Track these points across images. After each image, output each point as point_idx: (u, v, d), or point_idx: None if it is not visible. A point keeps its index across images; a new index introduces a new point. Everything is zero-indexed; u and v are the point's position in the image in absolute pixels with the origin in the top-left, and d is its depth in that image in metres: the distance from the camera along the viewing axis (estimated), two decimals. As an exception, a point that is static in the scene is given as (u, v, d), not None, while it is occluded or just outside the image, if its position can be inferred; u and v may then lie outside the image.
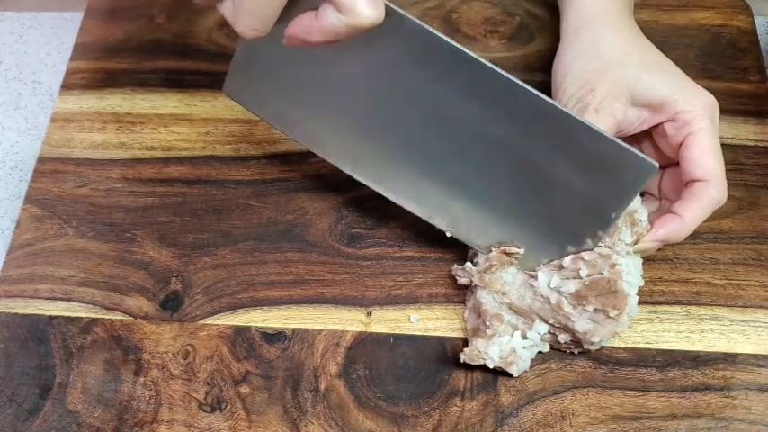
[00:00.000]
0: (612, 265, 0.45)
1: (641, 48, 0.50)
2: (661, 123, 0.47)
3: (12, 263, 0.53)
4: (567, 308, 0.45)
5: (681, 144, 0.46)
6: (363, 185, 0.50)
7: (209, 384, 0.48)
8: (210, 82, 0.60)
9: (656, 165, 0.42)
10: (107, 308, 0.51)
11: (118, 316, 0.50)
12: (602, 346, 0.48)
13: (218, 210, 0.54)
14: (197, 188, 0.55)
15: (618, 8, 0.51)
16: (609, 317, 0.45)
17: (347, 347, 0.49)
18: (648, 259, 0.51)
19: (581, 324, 0.45)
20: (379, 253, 0.52)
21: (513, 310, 0.47)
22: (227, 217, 0.54)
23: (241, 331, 0.50)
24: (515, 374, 0.46)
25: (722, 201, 0.46)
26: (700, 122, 0.46)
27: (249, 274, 0.52)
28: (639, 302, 0.49)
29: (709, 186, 0.45)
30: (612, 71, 0.47)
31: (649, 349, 0.48)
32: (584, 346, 0.46)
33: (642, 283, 0.47)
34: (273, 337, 0.49)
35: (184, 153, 0.57)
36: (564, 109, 0.41)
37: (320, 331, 0.50)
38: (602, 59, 0.48)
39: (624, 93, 0.47)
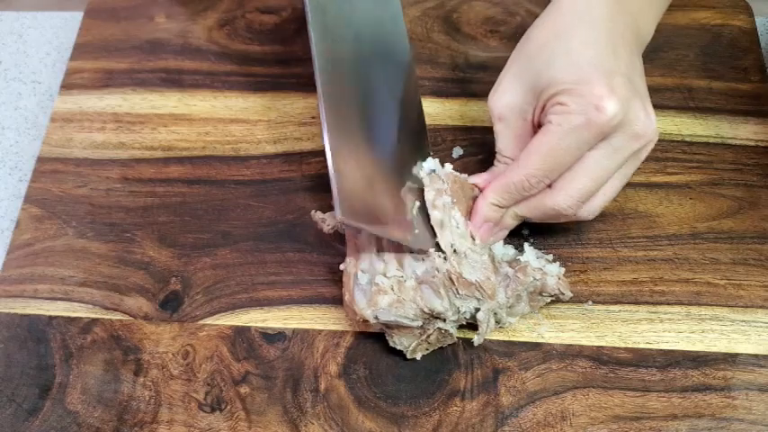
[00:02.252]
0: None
1: (567, 35, 0.44)
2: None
3: (11, 263, 0.53)
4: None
5: (542, 124, 0.44)
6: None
7: (208, 385, 0.48)
8: (210, 82, 0.60)
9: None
10: (107, 308, 0.51)
11: (118, 316, 0.50)
12: (602, 347, 0.48)
13: (218, 210, 0.54)
14: (197, 188, 0.55)
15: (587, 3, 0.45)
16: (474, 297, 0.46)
17: (347, 348, 0.49)
18: (649, 259, 0.51)
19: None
20: (379, 253, 0.52)
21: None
22: (227, 217, 0.54)
23: (241, 331, 0.50)
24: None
25: (523, 189, 0.45)
26: (563, 120, 0.42)
27: (249, 274, 0.52)
28: (639, 302, 0.49)
29: (516, 171, 0.44)
30: (524, 62, 0.45)
31: (650, 349, 0.48)
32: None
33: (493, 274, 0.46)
34: (273, 337, 0.49)
35: (184, 153, 0.57)
36: None
37: (320, 331, 0.49)
38: (523, 48, 0.46)
39: (530, 86, 0.44)
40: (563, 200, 0.45)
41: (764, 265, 0.51)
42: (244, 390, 0.48)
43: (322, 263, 0.52)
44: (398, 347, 0.47)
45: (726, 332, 0.49)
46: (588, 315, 0.50)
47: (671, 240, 0.52)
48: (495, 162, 0.48)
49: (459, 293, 0.45)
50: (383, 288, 0.45)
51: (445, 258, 0.46)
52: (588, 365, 0.48)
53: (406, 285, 0.46)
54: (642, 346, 0.49)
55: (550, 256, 0.49)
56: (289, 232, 0.53)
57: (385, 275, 0.46)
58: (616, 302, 0.50)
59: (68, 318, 0.50)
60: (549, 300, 0.48)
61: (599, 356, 0.48)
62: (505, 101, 0.46)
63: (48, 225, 0.54)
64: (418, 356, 0.47)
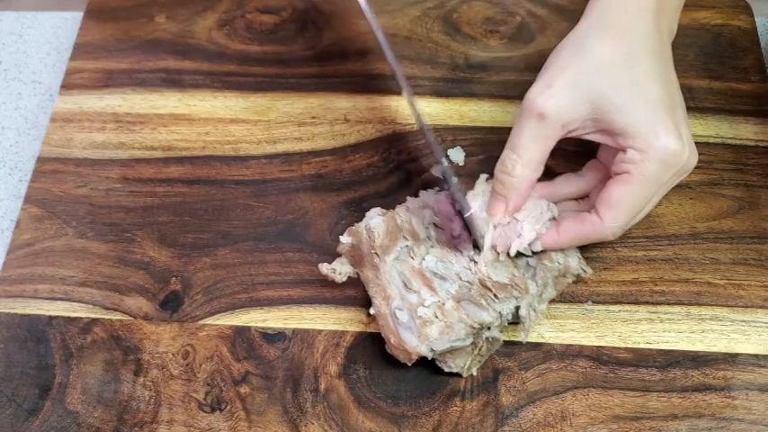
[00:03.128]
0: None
1: (633, 62, 0.44)
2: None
3: (11, 263, 0.53)
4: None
5: (615, 174, 0.45)
6: (363, 185, 0.50)
7: (208, 385, 0.48)
8: (210, 82, 0.60)
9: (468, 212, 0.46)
10: (107, 308, 0.51)
11: (118, 316, 0.50)
12: (602, 347, 0.48)
13: (218, 210, 0.54)
14: (197, 188, 0.55)
15: (643, 18, 0.45)
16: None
17: (347, 348, 0.49)
18: (649, 259, 0.51)
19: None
20: (379, 253, 0.52)
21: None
22: (227, 217, 0.54)
23: (241, 331, 0.50)
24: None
25: (608, 239, 0.46)
26: (646, 168, 0.43)
27: (249, 274, 0.52)
28: (639, 302, 0.50)
29: (602, 228, 0.45)
30: (586, 76, 0.44)
31: (650, 349, 0.48)
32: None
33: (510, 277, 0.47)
34: (273, 337, 0.49)
35: (184, 153, 0.57)
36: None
37: (320, 331, 0.49)
38: (583, 59, 0.44)
39: (587, 102, 0.43)
40: (612, 231, 0.45)
41: (764, 265, 0.51)
42: (244, 390, 0.48)
43: (322, 263, 0.51)
44: (455, 370, 0.46)
45: (726, 332, 0.49)
46: (588, 315, 0.50)
47: (671, 240, 0.52)
48: (505, 161, 0.46)
49: (498, 298, 0.45)
50: (428, 319, 0.45)
51: (475, 262, 0.46)
52: (588, 365, 0.48)
53: (447, 308, 0.45)
54: (642, 346, 0.49)
55: None
56: (289, 232, 0.53)
57: (423, 305, 0.45)
58: (616, 302, 0.50)
59: (68, 318, 0.50)
60: (571, 280, 0.49)
61: (599, 356, 0.48)
62: (555, 105, 0.43)
63: (48, 225, 0.54)
64: (474, 372, 0.47)
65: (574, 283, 0.50)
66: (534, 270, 0.47)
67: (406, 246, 0.48)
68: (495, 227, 0.47)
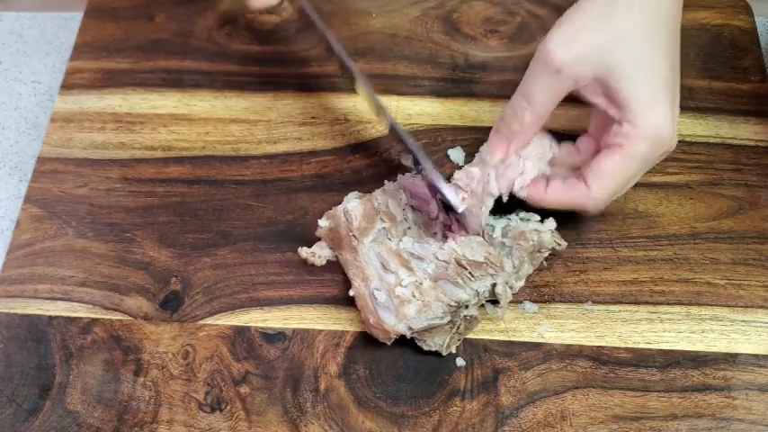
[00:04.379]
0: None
1: (655, 36, 0.44)
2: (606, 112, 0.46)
3: (12, 263, 0.53)
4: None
5: (606, 145, 0.45)
6: (363, 185, 0.50)
7: (208, 385, 0.48)
8: (210, 82, 0.60)
9: (459, 207, 0.46)
10: (107, 308, 0.51)
11: (118, 316, 0.50)
12: (602, 347, 0.48)
13: (218, 210, 0.54)
14: (197, 188, 0.55)
15: None
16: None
17: (347, 348, 0.49)
18: (650, 259, 0.51)
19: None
20: (379, 253, 0.52)
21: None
22: (227, 217, 0.54)
23: (241, 331, 0.50)
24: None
25: (589, 210, 0.47)
26: (638, 144, 0.44)
27: (249, 274, 0.52)
28: (639, 302, 0.50)
29: (587, 197, 0.46)
30: (609, 37, 0.44)
31: (650, 349, 0.48)
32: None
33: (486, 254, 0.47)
34: (273, 337, 0.49)
35: (184, 153, 0.57)
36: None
37: (320, 331, 0.49)
38: (609, 21, 0.44)
39: (603, 64, 0.44)
40: (596, 203, 0.46)
41: (764, 265, 0.51)
42: (244, 390, 0.48)
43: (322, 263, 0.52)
44: (434, 349, 0.47)
45: (726, 332, 0.49)
46: (588, 315, 0.50)
47: (671, 240, 0.52)
48: (515, 108, 0.46)
49: (474, 276, 0.46)
50: (405, 298, 0.46)
51: (447, 238, 0.48)
52: (588, 365, 0.48)
53: (424, 288, 0.46)
54: (642, 346, 0.49)
55: (536, 215, 0.50)
56: (289, 232, 0.53)
57: (401, 285, 0.46)
58: (616, 302, 0.50)
59: (68, 318, 0.50)
60: (547, 254, 0.49)
61: (599, 356, 0.48)
62: (573, 61, 0.44)
63: (48, 225, 0.54)
64: (453, 350, 0.48)
65: (574, 283, 0.50)
66: (510, 248, 0.48)
67: (384, 228, 0.48)
68: (494, 168, 0.48)
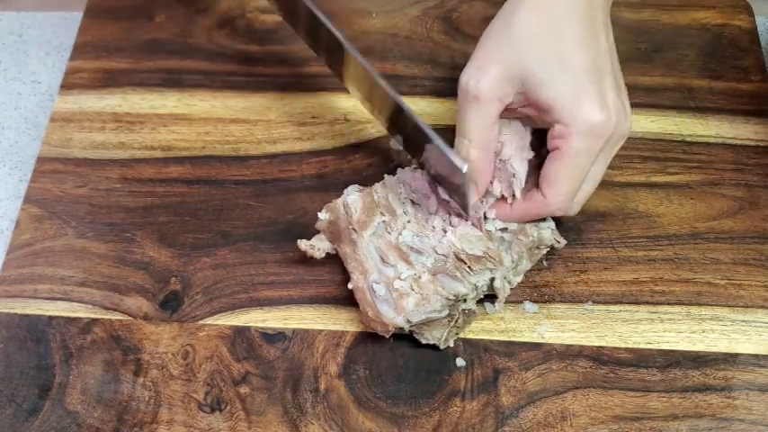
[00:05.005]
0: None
1: (559, 33, 0.44)
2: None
3: (11, 263, 0.52)
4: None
5: (550, 150, 0.45)
6: (363, 185, 0.50)
7: (208, 385, 0.48)
8: (210, 82, 0.60)
9: (463, 167, 0.44)
10: (107, 308, 0.51)
11: (117, 316, 0.50)
12: (602, 347, 0.48)
13: (218, 210, 0.54)
14: (197, 188, 0.55)
15: None
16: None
17: (347, 348, 0.49)
18: (650, 259, 0.51)
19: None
20: (379, 253, 0.52)
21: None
22: (227, 217, 0.54)
23: (241, 331, 0.49)
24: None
25: (553, 214, 0.47)
26: (573, 141, 0.43)
27: (249, 274, 0.52)
28: (640, 302, 0.50)
29: (546, 205, 0.46)
30: (512, 50, 0.44)
31: (650, 349, 0.48)
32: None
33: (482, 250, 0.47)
34: (273, 337, 0.49)
35: (184, 153, 0.57)
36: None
37: (320, 331, 0.49)
38: (508, 34, 0.44)
39: (516, 77, 0.44)
40: (557, 207, 0.46)
41: (765, 265, 0.51)
42: (244, 390, 0.48)
43: (322, 263, 0.51)
44: (432, 342, 0.47)
45: (726, 332, 0.49)
46: (588, 315, 0.50)
47: (671, 240, 0.52)
48: (459, 149, 0.46)
49: (472, 270, 0.46)
50: (404, 291, 0.46)
51: (445, 231, 0.48)
52: (588, 365, 0.48)
53: (422, 281, 0.46)
54: (642, 346, 0.48)
55: None
56: (289, 232, 0.53)
57: (400, 278, 0.46)
58: (616, 302, 0.50)
59: (68, 318, 0.50)
60: (545, 251, 0.50)
61: (599, 356, 0.48)
62: (488, 85, 0.44)
63: (48, 225, 0.54)
64: (451, 344, 0.48)
65: (574, 283, 0.50)
66: (509, 243, 0.48)
67: (383, 221, 0.48)
68: (482, 202, 0.48)
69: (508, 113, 0.47)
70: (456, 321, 0.47)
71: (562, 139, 0.44)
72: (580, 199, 0.47)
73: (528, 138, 0.48)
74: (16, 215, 0.55)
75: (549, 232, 0.48)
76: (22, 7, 0.70)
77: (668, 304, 0.50)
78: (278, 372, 0.48)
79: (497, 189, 0.48)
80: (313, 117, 0.58)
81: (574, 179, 0.45)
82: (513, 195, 0.48)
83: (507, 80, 0.44)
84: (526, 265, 0.49)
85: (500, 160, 0.48)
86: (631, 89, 0.47)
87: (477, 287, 0.46)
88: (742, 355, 0.48)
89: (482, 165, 0.46)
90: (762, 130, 0.57)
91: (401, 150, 0.53)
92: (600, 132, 0.43)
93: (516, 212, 0.48)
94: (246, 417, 0.47)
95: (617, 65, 0.46)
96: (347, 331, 0.49)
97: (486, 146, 0.46)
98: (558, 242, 0.49)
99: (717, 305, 0.50)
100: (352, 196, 0.49)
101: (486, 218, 0.48)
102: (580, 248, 0.52)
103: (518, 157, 0.47)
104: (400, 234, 0.48)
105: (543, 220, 0.49)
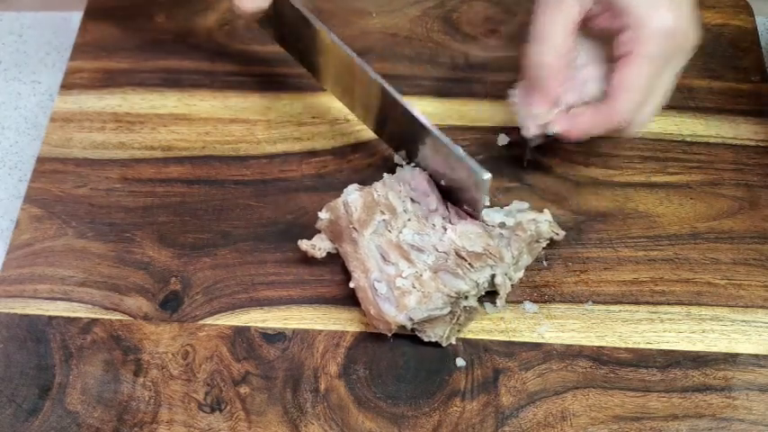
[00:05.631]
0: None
1: None
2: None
3: (11, 263, 0.52)
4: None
5: (620, 57, 0.46)
6: (363, 185, 0.50)
7: (208, 385, 0.48)
8: (210, 82, 0.60)
9: (486, 176, 0.46)
10: (106, 308, 0.51)
11: (117, 316, 0.50)
12: (602, 347, 0.48)
13: (218, 210, 0.54)
14: (197, 188, 0.55)
15: None
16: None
17: (347, 348, 0.49)
18: (650, 259, 0.51)
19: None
20: (379, 253, 0.52)
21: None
22: (227, 217, 0.54)
23: (241, 331, 0.49)
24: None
25: (620, 125, 0.46)
26: (646, 44, 0.44)
27: (249, 274, 0.52)
28: (640, 302, 0.50)
29: (614, 114, 0.46)
30: None
31: (650, 349, 0.48)
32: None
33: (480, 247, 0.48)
34: (273, 337, 0.49)
35: (184, 153, 0.57)
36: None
37: (320, 331, 0.49)
38: None
39: None
40: (624, 116, 0.46)
41: (765, 265, 0.51)
42: (244, 390, 0.48)
43: (322, 263, 0.51)
44: (434, 339, 0.48)
45: (726, 332, 0.49)
46: (588, 315, 0.50)
47: (671, 240, 0.52)
48: (532, 55, 0.47)
49: (473, 267, 0.46)
50: (406, 289, 0.46)
51: (445, 229, 0.48)
52: (588, 365, 0.48)
53: (424, 279, 0.46)
54: (642, 346, 0.48)
55: (527, 204, 0.51)
56: (289, 232, 0.53)
57: (401, 276, 0.46)
58: (616, 302, 0.50)
59: (68, 318, 0.50)
60: (545, 244, 0.50)
61: (599, 356, 0.48)
62: None
63: (48, 225, 0.54)
64: (453, 341, 0.48)
65: (574, 283, 0.50)
66: (508, 239, 0.48)
67: (384, 220, 0.49)
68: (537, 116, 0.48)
69: (584, 26, 0.47)
70: (458, 318, 0.47)
71: (634, 43, 0.44)
72: (646, 113, 0.47)
73: (601, 52, 0.48)
74: (16, 215, 0.55)
75: (546, 225, 0.49)
76: (22, 7, 0.70)
77: (668, 304, 0.50)
78: (278, 372, 0.48)
79: (568, 98, 0.48)
80: (313, 117, 0.58)
81: (643, 85, 0.45)
82: (584, 105, 0.47)
83: None
84: (527, 259, 0.49)
85: (574, 68, 0.48)
86: (631, 89, 0.47)
87: (478, 284, 0.47)
88: (742, 355, 0.48)
89: (555, 71, 0.47)
90: (762, 130, 0.57)
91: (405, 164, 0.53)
92: (672, 38, 0.44)
93: (581, 125, 0.47)
94: (246, 417, 0.47)
95: None
96: (347, 331, 0.49)
97: (562, 51, 0.46)
98: (557, 234, 0.49)
99: (717, 305, 0.50)
100: (353, 195, 0.49)
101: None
102: (580, 248, 0.52)
103: (592, 66, 0.48)
104: (401, 232, 0.48)
105: (533, 210, 0.49)
